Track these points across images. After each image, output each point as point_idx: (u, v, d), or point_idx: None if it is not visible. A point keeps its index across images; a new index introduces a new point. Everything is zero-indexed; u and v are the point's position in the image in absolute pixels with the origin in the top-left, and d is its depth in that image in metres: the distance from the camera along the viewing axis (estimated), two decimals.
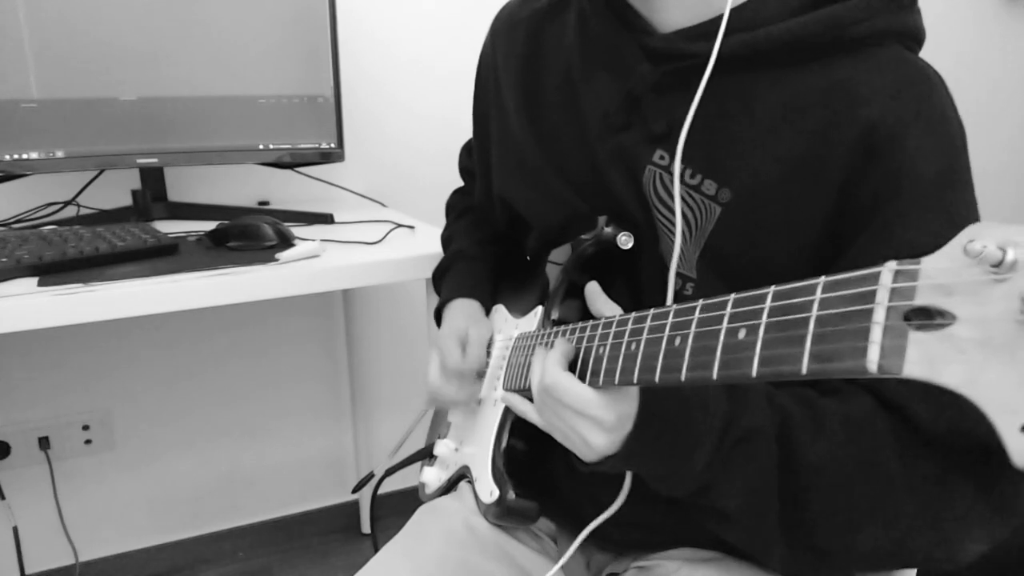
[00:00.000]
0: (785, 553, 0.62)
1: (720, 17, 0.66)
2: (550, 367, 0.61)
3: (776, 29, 0.64)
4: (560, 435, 0.62)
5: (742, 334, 0.42)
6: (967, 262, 0.29)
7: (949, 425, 0.56)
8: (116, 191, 1.46)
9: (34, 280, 1.01)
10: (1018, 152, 2.33)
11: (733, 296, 0.44)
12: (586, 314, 0.69)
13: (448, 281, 0.98)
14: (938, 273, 0.30)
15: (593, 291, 0.67)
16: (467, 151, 1.11)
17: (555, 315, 0.78)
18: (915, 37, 0.67)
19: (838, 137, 0.62)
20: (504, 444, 0.79)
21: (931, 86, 0.63)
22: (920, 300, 0.31)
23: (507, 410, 0.80)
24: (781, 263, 0.65)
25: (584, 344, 0.61)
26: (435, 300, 1.01)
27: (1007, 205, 2.35)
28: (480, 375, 0.88)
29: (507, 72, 0.87)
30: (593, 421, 0.58)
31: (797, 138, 0.63)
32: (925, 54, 0.67)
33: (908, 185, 0.60)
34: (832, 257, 0.63)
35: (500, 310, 0.93)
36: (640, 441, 0.59)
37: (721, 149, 0.67)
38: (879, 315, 0.32)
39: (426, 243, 1.25)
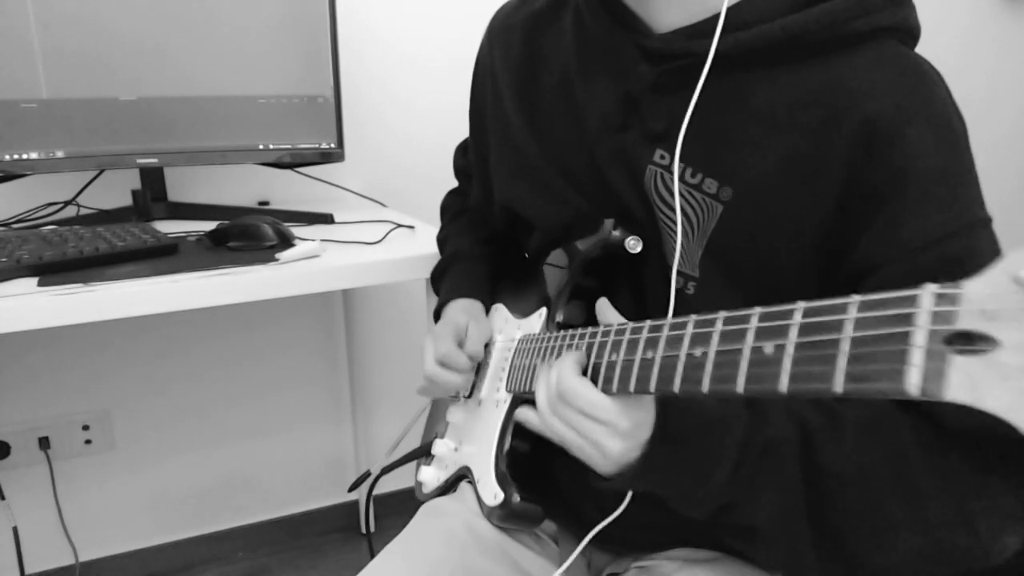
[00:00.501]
0: (818, 567, 0.61)
1: (717, 16, 0.66)
2: (565, 373, 0.60)
3: (772, 27, 0.64)
4: (574, 446, 0.62)
5: (769, 349, 0.42)
6: (1013, 288, 0.29)
7: (968, 420, 0.55)
8: (116, 191, 1.46)
9: (34, 280, 1.01)
10: (1013, 150, 2.34)
11: (759, 310, 0.44)
12: (590, 316, 0.69)
13: (446, 282, 0.98)
14: (981, 298, 0.31)
15: (603, 307, 0.66)
16: (462, 151, 1.11)
17: (559, 317, 0.78)
18: (911, 33, 0.67)
19: (838, 133, 0.62)
20: (507, 446, 0.79)
21: (930, 81, 0.63)
22: (961, 324, 0.31)
23: (510, 412, 0.80)
24: (784, 260, 0.65)
25: (596, 350, 0.61)
26: (435, 300, 1.01)
27: (1001, 203, 2.35)
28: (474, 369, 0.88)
29: (505, 74, 0.86)
30: (608, 427, 0.58)
31: (797, 135, 0.63)
32: (921, 52, 0.67)
33: (911, 180, 0.60)
34: (837, 253, 0.63)
35: (500, 310, 0.93)
36: (656, 457, 0.59)
37: (721, 147, 0.67)
38: (920, 338, 0.33)
39: (426, 243, 1.25)
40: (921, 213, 0.60)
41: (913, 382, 0.32)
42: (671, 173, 0.69)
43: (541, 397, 0.63)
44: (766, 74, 0.66)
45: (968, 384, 0.30)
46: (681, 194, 0.69)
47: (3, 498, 1.54)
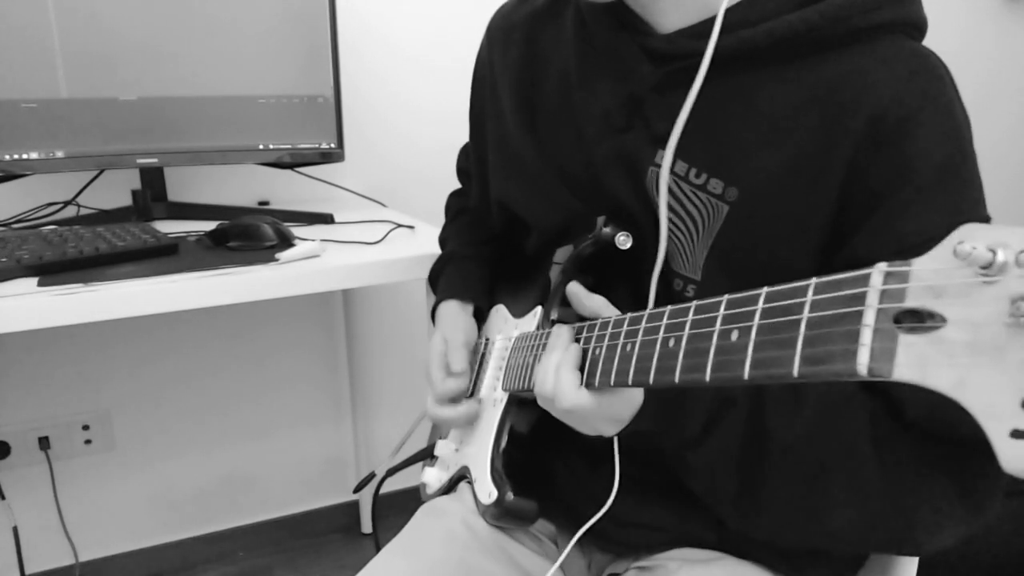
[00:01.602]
0: (736, 516, 0.67)
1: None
2: (567, 391, 0.61)
3: (777, 24, 0.63)
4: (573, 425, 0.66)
5: (734, 336, 0.42)
6: (957, 263, 0.29)
7: (932, 412, 0.57)
8: (116, 191, 1.46)
9: (34, 280, 1.01)
10: (1011, 150, 2.33)
11: (726, 297, 0.44)
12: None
13: (442, 282, 0.98)
14: (928, 275, 0.30)
15: (576, 292, 0.67)
16: (465, 152, 1.11)
17: (554, 315, 0.78)
18: (917, 26, 0.66)
19: (844, 129, 0.61)
20: (503, 445, 0.79)
21: (938, 76, 0.63)
22: (910, 302, 0.31)
23: (506, 411, 0.80)
24: (790, 259, 0.65)
25: (581, 346, 0.62)
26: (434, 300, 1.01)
27: (1000, 201, 2.35)
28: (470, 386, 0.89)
29: (504, 75, 0.86)
30: (608, 419, 0.63)
31: (802, 133, 0.63)
32: None
33: (914, 175, 0.60)
34: (836, 248, 0.63)
35: (500, 310, 0.93)
36: (642, 418, 0.63)
37: (726, 147, 0.66)
38: (869, 317, 0.32)
39: (426, 243, 1.25)
40: (923, 210, 0.60)
41: (863, 362, 0.32)
42: (674, 174, 0.69)
43: (545, 402, 0.65)
44: (771, 72, 0.65)
45: (916, 362, 0.30)
46: (686, 195, 0.68)
47: (3, 498, 1.55)
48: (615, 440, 0.70)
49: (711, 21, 0.66)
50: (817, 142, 0.63)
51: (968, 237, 0.28)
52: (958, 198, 0.61)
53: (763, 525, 0.65)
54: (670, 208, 0.70)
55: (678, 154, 0.69)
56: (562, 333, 0.65)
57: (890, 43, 0.64)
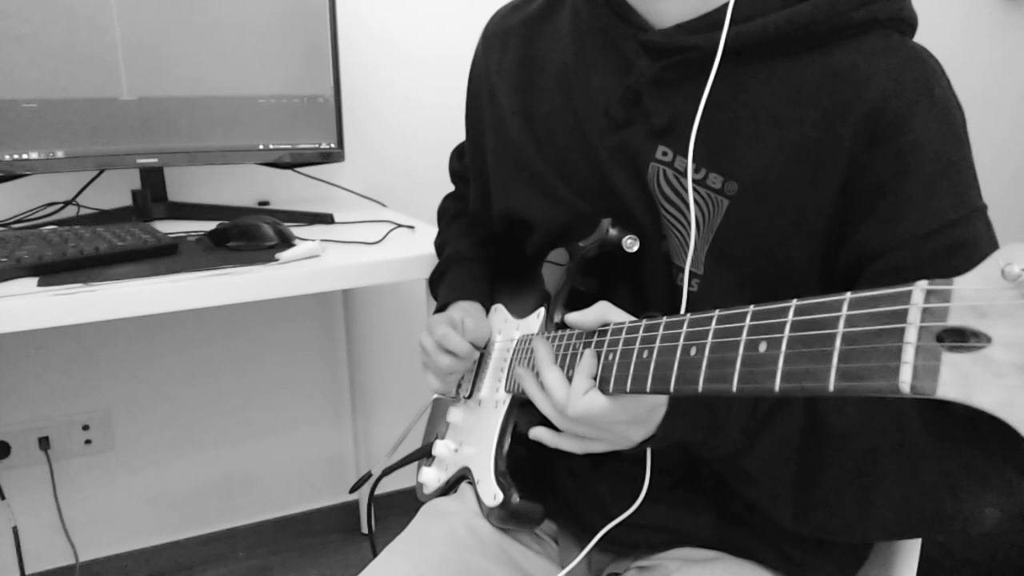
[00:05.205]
0: (793, 513, 0.65)
1: (718, 10, 0.66)
2: (574, 399, 0.61)
3: (774, 19, 0.64)
4: (596, 446, 0.64)
5: (763, 347, 0.42)
6: (1003, 284, 0.29)
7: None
8: (116, 191, 1.46)
9: (34, 280, 1.01)
10: (1010, 149, 2.33)
11: (752, 308, 0.44)
12: None
13: (445, 285, 0.98)
14: (971, 294, 0.30)
15: (575, 320, 0.65)
16: (458, 155, 1.10)
17: (558, 317, 0.78)
18: (908, 23, 0.67)
19: (842, 123, 0.62)
20: (506, 447, 0.79)
21: (932, 71, 0.64)
22: (953, 321, 0.31)
23: (509, 412, 0.80)
24: (791, 253, 0.66)
25: (593, 349, 0.61)
26: (435, 301, 1.00)
27: (1000, 201, 2.35)
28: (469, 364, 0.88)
29: (502, 79, 0.86)
30: (629, 422, 0.61)
31: (801, 126, 0.64)
32: None
33: (913, 168, 0.61)
34: (839, 241, 0.64)
35: (500, 310, 0.92)
36: (673, 420, 0.62)
37: (725, 142, 0.67)
38: (911, 335, 0.32)
39: (426, 243, 1.24)
40: (924, 202, 0.61)
41: (905, 379, 0.32)
42: (675, 170, 0.69)
43: (555, 416, 0.64)
44: (768, 66, 0.66)
45: (960, 381, 0.30)
46: (687, 189, 0.69)
47: (3, 498, 1.54)
48: (647, 452, 0.70)
49: (709, 16, 0.67)
50: (816, 136, 0.63)
51: (1016, 258, 0.28)
52: (958, 187, 0.62)
53: (819, 520, 0.65)
54: (670, 203, 0.70)
55: (678, 149, 0.69)
56: (545, 348, 0.67)
57: (884, 39, 0.65)
